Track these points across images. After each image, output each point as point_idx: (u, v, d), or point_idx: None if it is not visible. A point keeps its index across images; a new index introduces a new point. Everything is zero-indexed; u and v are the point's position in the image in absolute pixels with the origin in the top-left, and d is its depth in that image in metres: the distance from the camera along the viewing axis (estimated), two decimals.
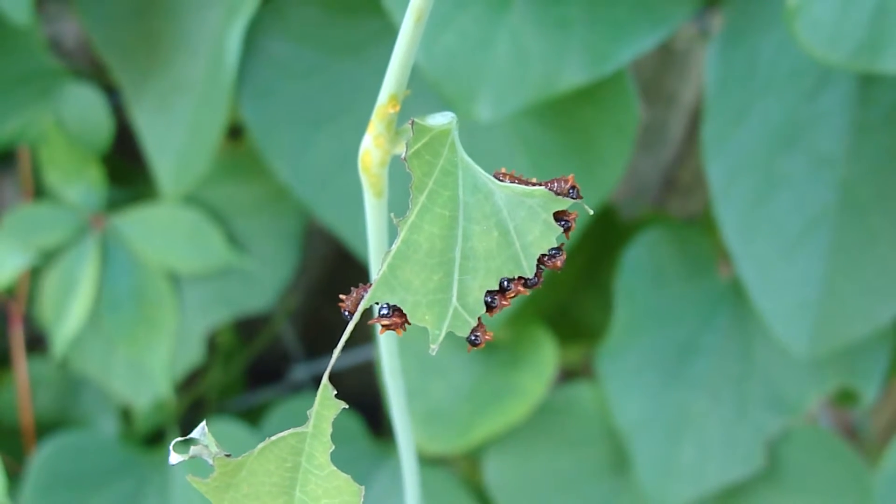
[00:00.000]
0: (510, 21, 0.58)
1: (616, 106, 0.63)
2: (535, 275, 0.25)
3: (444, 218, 0.25)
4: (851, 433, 0.95)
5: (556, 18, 0.58)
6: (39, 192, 0.80)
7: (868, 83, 0.62)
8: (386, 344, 0.35)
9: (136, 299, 0.78)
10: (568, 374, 0.98)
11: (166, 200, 0.76)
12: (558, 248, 0.25)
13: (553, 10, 0.58)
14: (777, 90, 0.61)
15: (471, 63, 0.58)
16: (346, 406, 0.25)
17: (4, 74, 0.74)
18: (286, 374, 0.99)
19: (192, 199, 0.78)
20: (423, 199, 0.25)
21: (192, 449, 0.26)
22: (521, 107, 0.59)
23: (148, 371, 0.79)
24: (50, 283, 0.77)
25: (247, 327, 0.98)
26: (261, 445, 0.26)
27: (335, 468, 0.26)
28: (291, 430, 0.25)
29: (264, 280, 0.81)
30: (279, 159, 0.70)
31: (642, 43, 0.58)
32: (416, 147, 0.25)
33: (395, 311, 0.25)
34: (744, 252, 0.64)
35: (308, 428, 0.25)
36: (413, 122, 0.25)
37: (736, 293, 0.74)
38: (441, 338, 0.25)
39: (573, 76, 0.58)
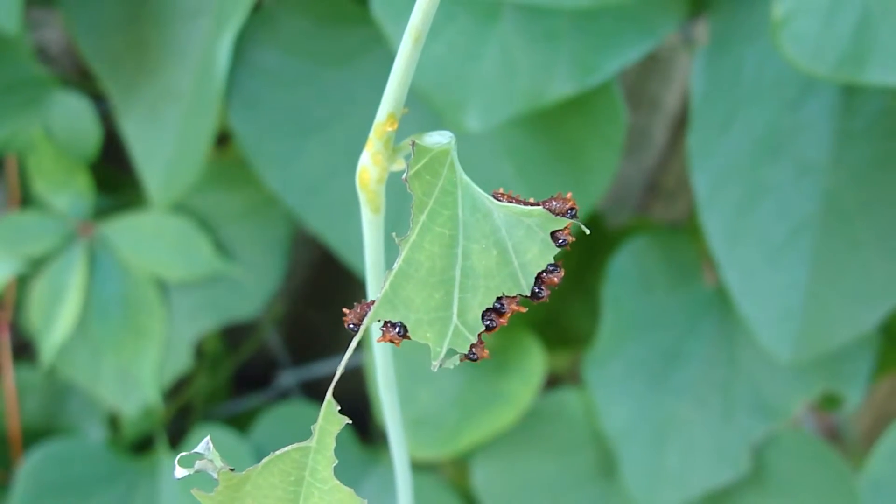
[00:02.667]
0: (499, 33, 0.59)
1: (603, 116, 0.64)
2: (540, 290, 0.26)
3: (444, 237, 0.26)
4: (834, 436, 0.96)
5: (544, 30, 0.59)
6: (27, 200, 0.80)
7: (851, 93, 0.63)
8: (381, 355, 0.35)
9: (123, 307, 0.78)
10: (555, 381, 0.99)
11: (154, 208, 0.76)
12: (556, 265, 0.26)
13: (541, 22, 0.59)
14: (761, 99, 0.62)
15: (460, 74, 0.59)
16: (349, 422, 0.25)
17: None
18: (273, 381, 1.00)
19: (180, 207, 0.78)
20: (423, 218, 0.26)
21: (198, 463, 0.26)
22: (510, 118, 0.59)
23: (136, 378, 0.79)
24: (38, 291, 0.77)
25: (233, 334, 0.98)
26: (265, 460, 0.26)
27: (338, 482, 0.26)
28: (296, 445, 0.26)
29: (251, 287, 0.81)
30: (268, 168, 0.70)
31: (629, 54, 0.59)
32: (416, 167, 0.26)
33: (396, 326, 0.25)
34: (729, 259, 0.65)
35: (311, 442, 0.26)
36: (413, 142, 0.26)
37: (721, 300, 0.75)
38: (442, 355, 0.25)
39: (561, 87, 0.58)
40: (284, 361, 0.99)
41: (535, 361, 0.75)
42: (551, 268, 0.26)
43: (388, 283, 0.25)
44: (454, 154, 0.27)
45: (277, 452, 0.26)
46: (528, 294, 0.26)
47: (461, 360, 0.25)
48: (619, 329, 0.74)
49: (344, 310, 0.25)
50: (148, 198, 0.73)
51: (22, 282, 0.80)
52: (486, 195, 0.26)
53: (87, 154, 0.76)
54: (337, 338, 1.09)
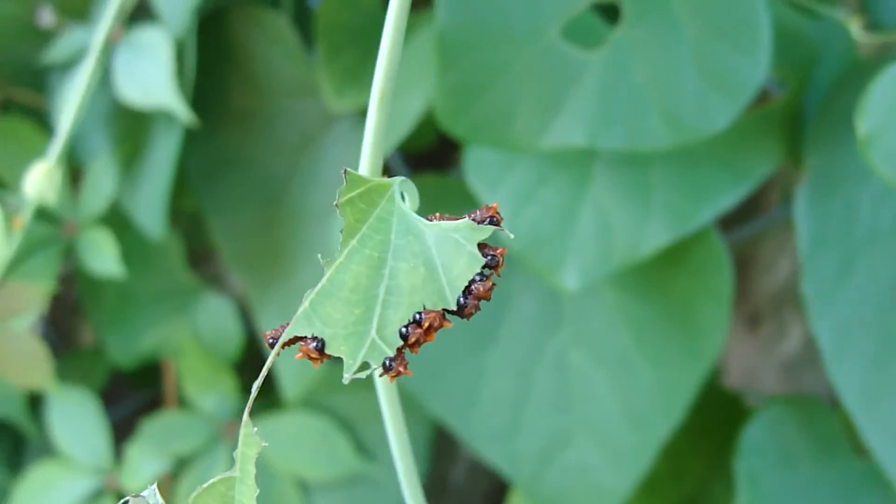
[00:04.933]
0: (592, 191, 0.59)
1: (708, 270, 0.61)
2: (466, 302, 0.24)
3: (373, 258, 0.25)
4: None
5: (638, 183, 0.58)
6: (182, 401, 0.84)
7: None
8: (385, 395, 0.34)
9: None
10: None
11: (293, 408, 0.78)
12: (482, 274, 0.25)
13: (634, 176, 0.58)
14: (883, 243, 0.58)
15: (555, 235, 0.59)
16: (265, 444, 0.24)
17: (149, 290, 0.80)
18: None
19: (319, 407, 0.80)
20: (353, 242, 0.26)
21: (132, 501, 0.25)
22: (608, 274, 0.58)
23: None
24: (185, 490, 0.79)
25: None
26: (192, 496, 0.25)
27: None
28: (220, 476, 0.25)
29: (392, 487, 0.80)
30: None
31: (724, 199, 0.57)
32: (349, 195, 0.26)
33: (312, 340, 0.24)
34: (870, 422, 0.59)
35: (235, 472, 0.25)
36: (345, 170, 0.26)
37: (881, 476, 0.67)
38: (355, 368, 0.24)
39: (656, 238, 0.57)
40: None
41: None
42: (479, 276, 0.25)
43: (307, 302, 0.25)
44: (396, 188, 0.27)
45: (204, 486, 0.25)
46: (455, 308, 0.25)
47: (380, 375, 0.24)
48: None
49: (264, 333, 0.25)
50: (284, 397, 0.75)
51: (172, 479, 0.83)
52: (421, 219, 0.26)
53: (230, 354, 0.79)
54: None
